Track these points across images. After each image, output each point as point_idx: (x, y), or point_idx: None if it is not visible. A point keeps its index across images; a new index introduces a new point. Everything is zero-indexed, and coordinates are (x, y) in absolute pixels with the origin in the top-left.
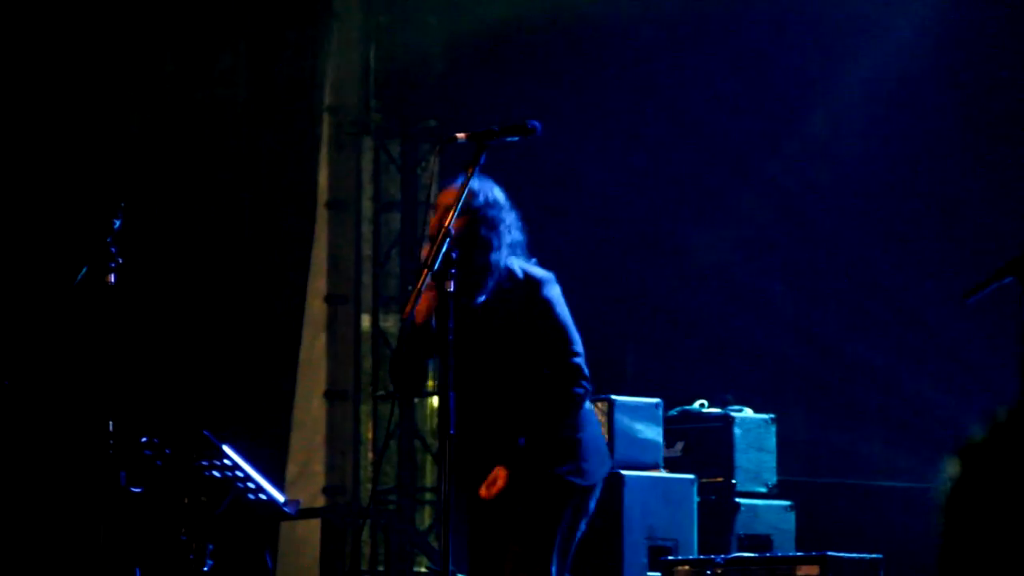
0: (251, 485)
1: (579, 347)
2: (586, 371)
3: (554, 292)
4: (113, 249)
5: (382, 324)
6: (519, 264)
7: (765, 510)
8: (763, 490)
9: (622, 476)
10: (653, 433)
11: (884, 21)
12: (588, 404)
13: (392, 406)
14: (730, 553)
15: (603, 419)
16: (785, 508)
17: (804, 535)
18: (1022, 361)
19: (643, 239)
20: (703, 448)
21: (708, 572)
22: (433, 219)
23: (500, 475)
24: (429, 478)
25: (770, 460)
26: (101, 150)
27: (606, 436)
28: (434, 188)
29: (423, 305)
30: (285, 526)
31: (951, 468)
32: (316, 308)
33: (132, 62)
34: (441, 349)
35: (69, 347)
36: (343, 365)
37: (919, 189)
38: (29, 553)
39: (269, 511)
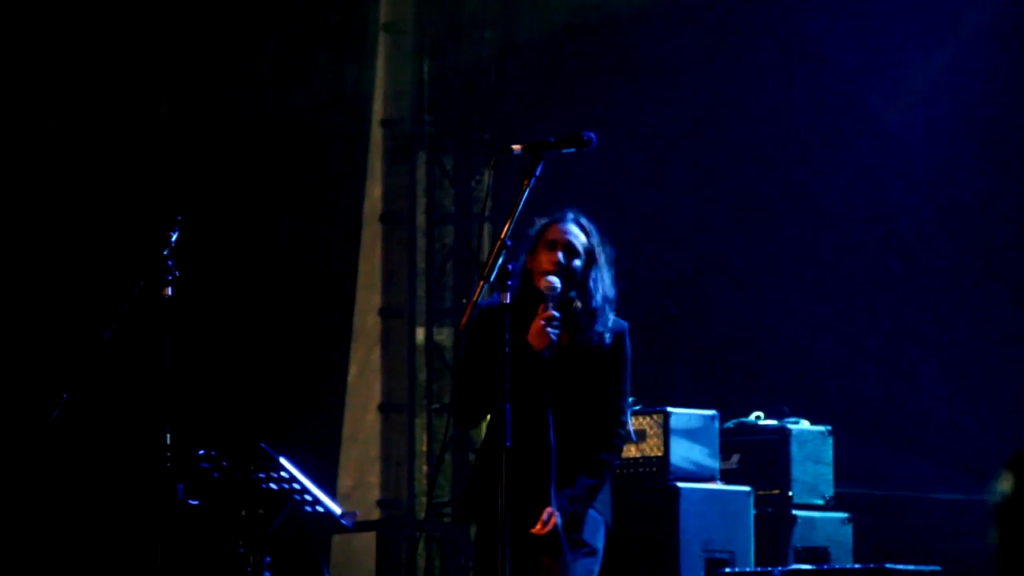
0: (308, 498)
1: (628, 399)
2: (627, 431)
3: (629, 341)
4: (170, 262)
5: (436, 337)
6: (607, 310)
7: (822, 522)
8: (820, 502)
9: (678, 489)
10: (709, 445)
11: (940, 17)
12: None
13: (447, 419)
14: (787, 566)
15: (659, 431)
16: (842, 520)
17: (862, 547)
18: None
19: (698, 250)
20: (759, 460)
21: None
22: (554, 258)
23: (552, 519)
24: None
25: (827, 472)
26: (159, 165)
27: (662, 448)
28: (488, 201)
29: (537, 330)
30: (339, 539)
31: (1003, 481)
32: (370, 321)
33: (182, 80)
34: (498, 363)
35: (127, 360)
36: (397, 378)
37: (977, 200)
38: (88, 565)
39: (326, 524)
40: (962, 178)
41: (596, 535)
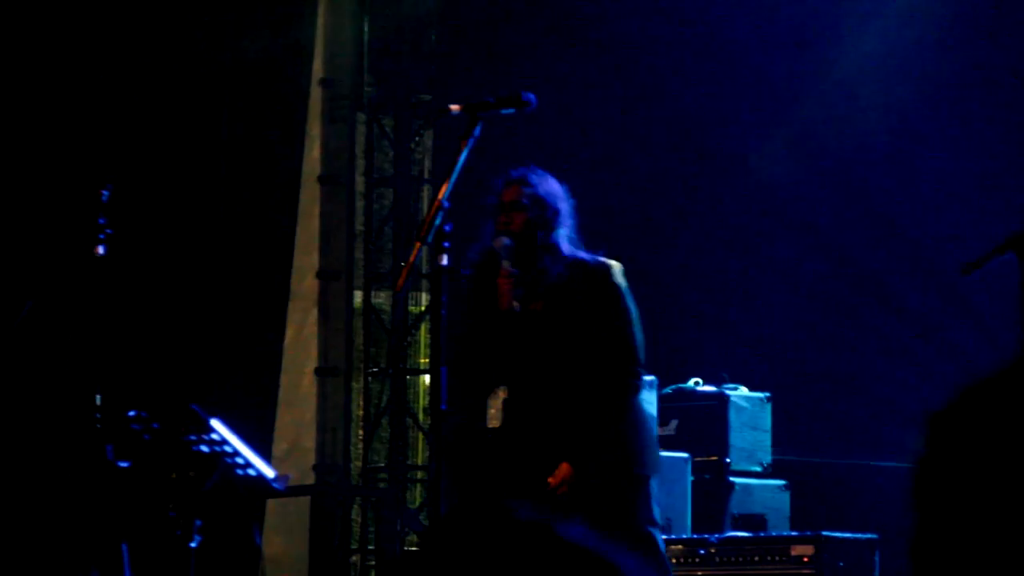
0: (240, 460)
1: (640, 337)
2: (642, 361)
3: (623, 281)
4: (102, 221)
5: (374, 300)
6: (585, 252)
7: (760, 489)
8: (758, 469)
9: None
10: (648, 411)
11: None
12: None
13: (384, 383)
14: (724, 532)
15: None
16: (780, 488)
17: (799, 515)
18: (1021, 336)
19: (636, 216)
20: (698, 427)
21: (702, 551)
22: (500, 217)
23: (565, 471)
24: (420, 456)
25: (765, 439)
26: (89, 123)
27: None
28: (427, 163)
29: (504, 290)
30: (274, 503)
31: (919, 443)
32: (308, 284)
33: (116, 34)
34: (435, 327)
35: (57, 320)
36: (334, 341)
37: (912, 173)
38: (16, 527)
39: (258, 487)
40: (893, 149)
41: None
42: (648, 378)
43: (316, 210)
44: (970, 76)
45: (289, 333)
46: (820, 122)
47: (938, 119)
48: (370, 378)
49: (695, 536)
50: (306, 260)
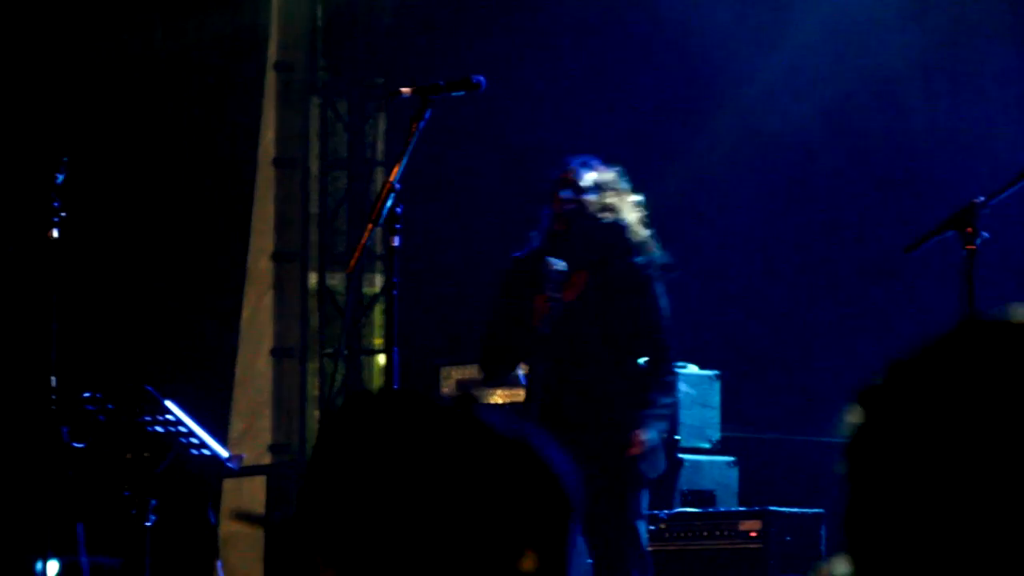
0: (194, 440)
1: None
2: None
3: (657, 276)
4: (56, 203)
5: (329, 282)
6: (627, 247)
7: (708, 466)
8: (707, 446)
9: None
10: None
11: None
12: None
13: (336, 364)
14: (673, 508)
15: None
16: (728, 464)
17: (747, 491)
18: (963, 314)
19: None
20: None
21: (652, 527)
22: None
23: (639, 440)
24: None
25: (714, 416)
26: (43, 105)
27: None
28: (380, 145)
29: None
30: (230, 483)
31: (852, 414)
32: (263, 266)
33: (70, 14)
34: (389, 308)
35: (11, 301)
36: (290, 323)
37: (858, 148)
38: None
39: (212, 467)
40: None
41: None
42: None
43: (271, 193)
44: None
45: (245, 314)
46: (768, 103)
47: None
48: (325, 359)
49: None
50: (261, 242)
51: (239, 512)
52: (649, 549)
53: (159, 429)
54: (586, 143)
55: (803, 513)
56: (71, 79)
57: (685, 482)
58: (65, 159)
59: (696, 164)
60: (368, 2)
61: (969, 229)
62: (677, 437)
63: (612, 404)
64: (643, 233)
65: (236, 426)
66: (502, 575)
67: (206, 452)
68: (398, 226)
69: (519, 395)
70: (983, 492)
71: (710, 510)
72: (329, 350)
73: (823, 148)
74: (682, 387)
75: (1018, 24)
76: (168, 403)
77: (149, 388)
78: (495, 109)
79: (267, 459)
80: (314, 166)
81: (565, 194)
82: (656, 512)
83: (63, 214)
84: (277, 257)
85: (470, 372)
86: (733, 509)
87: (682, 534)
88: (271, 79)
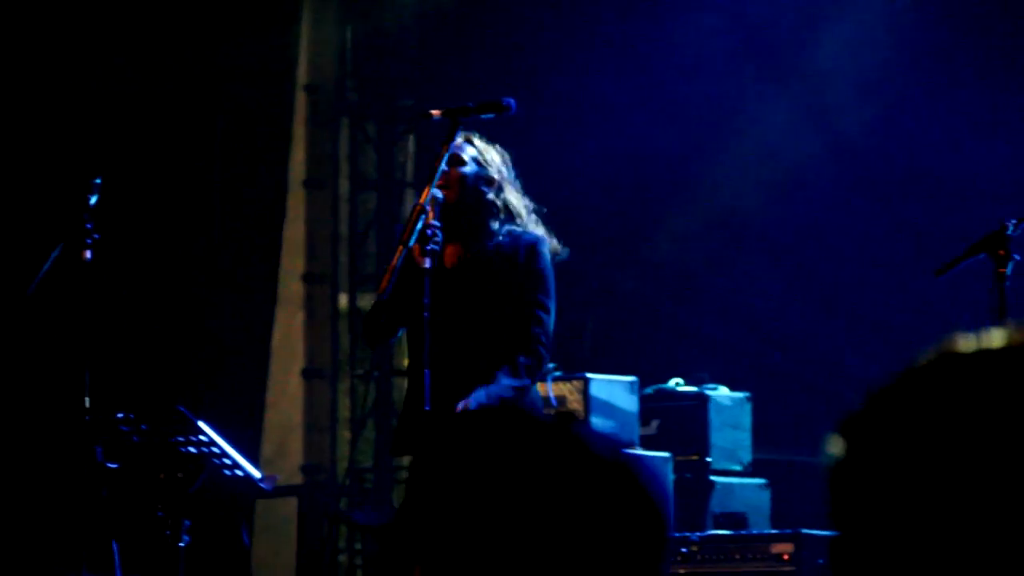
0: (227, 461)
1: (551, 320)
2: (548, 344)
3: (546, 251)
4: (89, 225)
5: (359, 303)
6: (514, 227)
7: (740, 488)
8: (738, 468)
9: (658, 468)
10: (629, 411)
11: None
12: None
13: (367, 384)
14: (705, 531)
15: (578, 397)
16: (760, 486)
17: (779, 513)
18: None
19: (617, 217)
20: (678, 426)
21: (684, 550)
22: (438, 164)
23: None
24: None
25: (745, 438)
26: (76, 127)
27: (581, 414)
28: (410, 167)
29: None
30: (262, 503)
31: (833, 445)
32: (293, 287)
33: (103, 38)
34: (415, 323)
35: (46, 322)
36: (320, 344)
37: (897, 169)
38: (7, 528)
39: (245, 487)
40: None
41: None
42: (628, 379)
43: (301, 214)
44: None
45: (276, 335)
46: (812, 104)
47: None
48: (356, 380)
49: (677, 535)
50: (292, 263)
51: (337, 512)
52: (681, 572)
53: (192, 450)
54: (613, 163)
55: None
56: (103, 101)
57: (717, 504)
58: (97, 181)
59: (725, 190)
60: (397, 24)
61: (1001, 252)
62: (708, 459)
63: (467, 382)
64: (525, 212)
65: (268, 447)
66: None
67: (239, 473)
68: (429, 247)
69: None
70: (963, 520)
71: (742, 533)
72: (360, 371)
73: (847, 176)
74: (712, 410)
75: None
76: (201, 424)
77: (182, 408)
78: (524, 129)
79: (299, 479)
80: (344, 187)
81: (444, 167)
82: (687, 534)
83: (96, 236)
84: (308, 278)
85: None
86: (765, 532)
87: (714, 557)
88: (301, 101)
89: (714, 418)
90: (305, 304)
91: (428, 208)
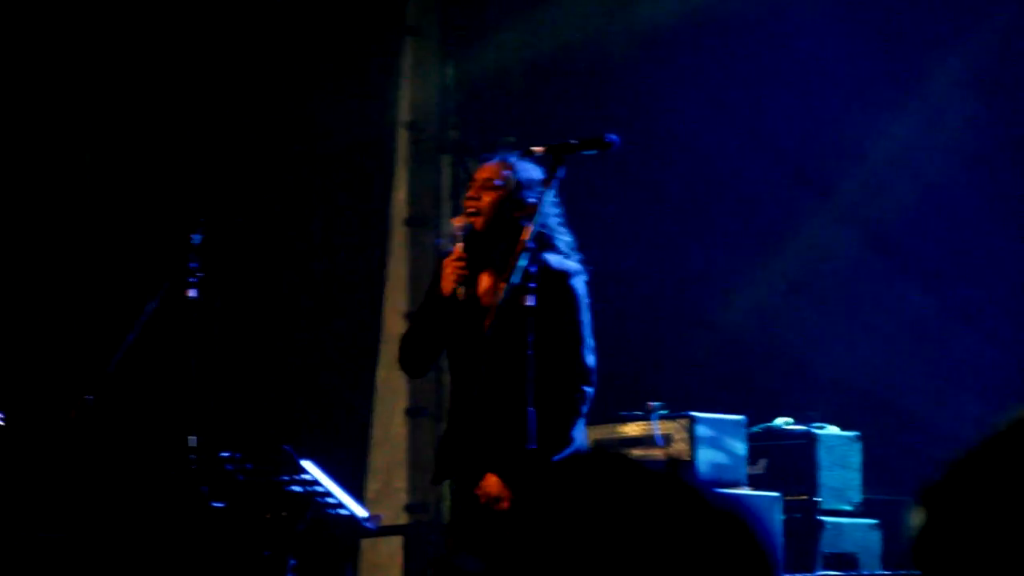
0: (331, 500)
1: (592, 346)
2: (594, 371)
3: (580, 286)
4: (193, 264)
5: None
6: (554, 256)
7: (850, 528)
8: (848, 508)
9: (764, 517)
10: (737, 450)
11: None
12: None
13: None
14: (815, 572)
15: (685, 436)
16: (871, 526)
17: (891, 554)
18: None
19: (726, 254)
20: (787, 465)
21: None
22: (470, 192)
23: (491, 483)
24: None
25: (855, 478)
26: (181, 166)
27: (688, 453)
28: None
29: (449, 272)
30: (367, 543)
31: (915, 516)
32: (397, 325)
33: (211, 79)
34: (457, 354)
35: (152, 362)
36: (424, 382)
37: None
38: (115, 568)
39: (350, 527)
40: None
41: None
42: (736, 417)
43: (404, 252)
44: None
45: (380, 374)
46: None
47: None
48: None
49: (786, 575)
50: (395, 301)
51: (441, 559)
52: None
53: (297, 489)
54: (715, 198)
55: None
56: (208, 142)
57: (827, 545)
58: (202, 220)
59: (827, 229)
60: (499, 60)
61: None
62: (817, 499)
63: (512, 418)
64: (566, 238)
65: (372, 486)
66: None
67: (344, 512)
68: (532, 284)
69: (655, 455)
70: None
71: (852, 574)
72: None
73: (946, 210)
74: (821, 449)
75: None
76: (305, 462)
77: (287, 448)
78: (626, 165)
79: (403, 519)
80: (445, 225)
81: (484, 190)
82: (797, 575)
83: (200, 275)
84: (410, 316)
85: (606, 431)
86: (876, 573)
87: None
88: (402, 138)
89: (823, 457)
90: None
91: (531, 246)
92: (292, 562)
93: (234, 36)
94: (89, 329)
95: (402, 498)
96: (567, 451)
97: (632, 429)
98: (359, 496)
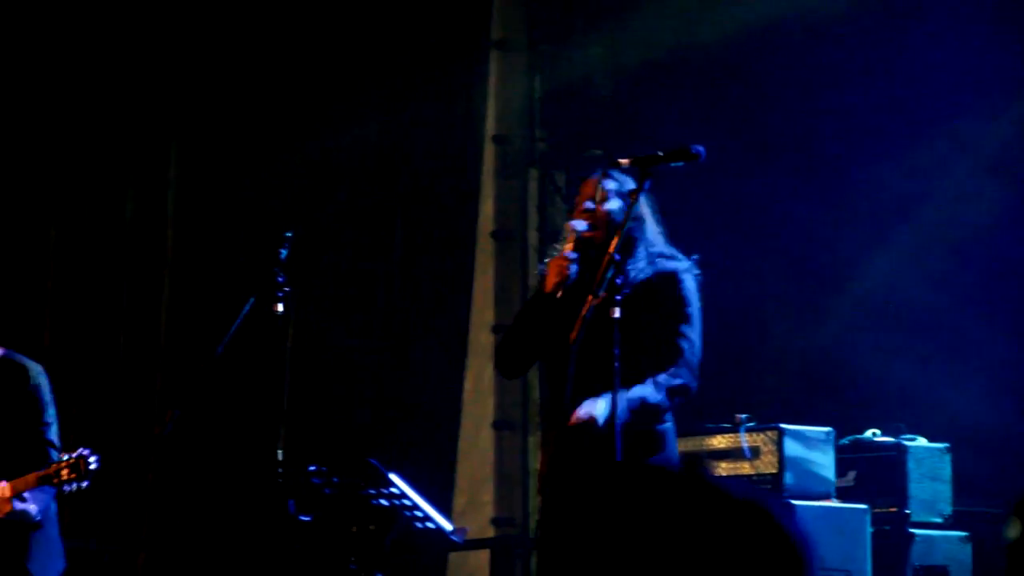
0: (418, 514)
1: (698, 345)
2: (697, 367)
3: (690, 283)
4: (280, 278)
5: None
6: (660, 258)
7: (941, 541)
8: (939, 520)
9: (793, 506)
10: (825, 462)
11: None
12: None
13: None
14: None
15: (773, 448)
16: (962, 539)
17: (982, 567)
18: None
19: (814, 265)
20: (876, 478)
21: None
22: (581, 205)
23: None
24: None
25: (945, 490)
26: (269, 182)
27: (776, 466)
28: None
29: (555, 270)
30: (455, 556)
31: (1011, 527)
32: (484, 339)
33: (295, 92)
34: (555, 358)
35: (239, 376)
36: (511, 396)
37: None
38: None
39: (437, 540)
40: None
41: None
42: (824, 429)
43: (490, 265)
44: None
45: (467, 387)
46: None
47: None
48: None
49: None
50: (482, 315)
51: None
52: None
53: (383, 502)
54: (807, 205)
55: None
56: (295, 159)
57: (917, 558)
58: (289, 235)
59: (926, 231)
60: (585, 73)
61: None
62: (907, 511)
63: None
64: (662, 248)
65: (459, 499)
66: None
67: (430, 525)
68: (618, 297)
69: (743, 467)
70: None
71: None
72: None
73: None
74: (911, 461)
75: None
76: (392, 476)
77: (373, 461)
78: (715, 176)
79: (491, 532)
80: (533, 238)
81: (589, 205)
82: None
83: (287, 289)
84: (497, 330)
85: (694, 443)
86: None
87: None
88: (489, 152)
89: (913, 469)
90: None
91: (617, 258)
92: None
93: (325, 55)
94: (178, 345)
95: (489, 511)
96: (657, 459)
97: (719, 441)
98: (446, 510)
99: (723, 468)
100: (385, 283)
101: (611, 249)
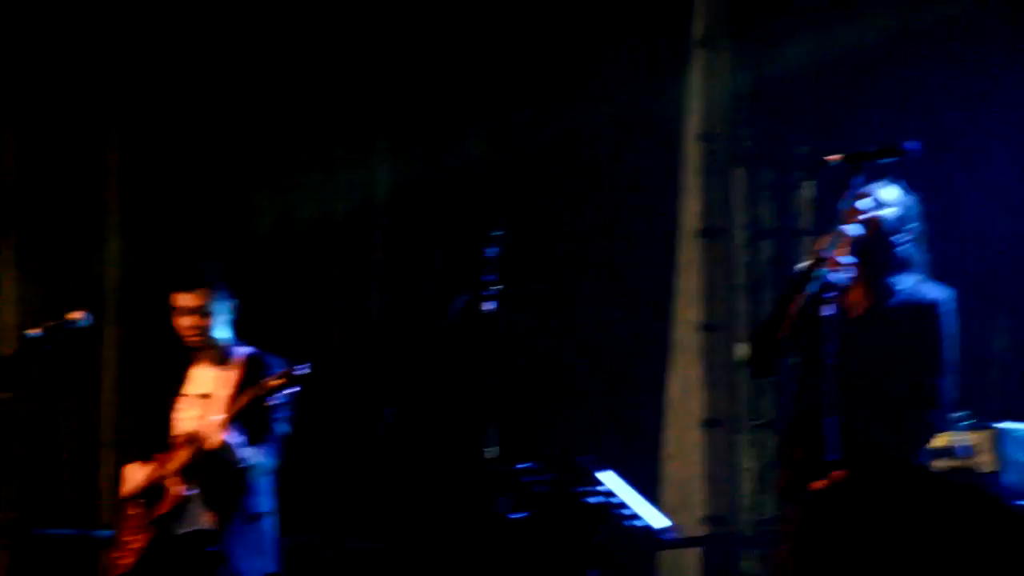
0: (627, 512)
1: (946, 376)
2: (944, 400)
3: (948, 315)
4: (490, 277)
5: None
6: (918, 281)
7: None
8: None
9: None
10: None
11: None
12: None
13: (768, 435)
14: None
15: (989, 447)
16: None
17: None
18: None
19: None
20: None
21: None
22: (852, 209)
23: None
24: None
25: None
26: (478, 182)
27: (994, 465)
28: (808, 215)
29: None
30: (666, 555)
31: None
32: (691, 337)
33: (501, 96)
34: (810, 366)
35: (450, 376)
36: (719, 393)
37: None
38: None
39: (647, 539)
40: None
41: None
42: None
43: (695, 263)
44: None
45: (674, 385)
46: None
47: None
48: (756, 430)
49: None
50: (687, 313)
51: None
52: None
53: (594, 500)
54: (1016, 201)
55: None
56: (497, 159)
57: None
58: (499, 233)
59: None
60: (792, 70)
61: None
62: None
63: (860, 433)
64: (925, 266)
65: (669, 498)
66: None
67: (639, 524)
68: (827, 295)
69: (958, 465)
70: None
71: None
72: (759, 421)
73: None
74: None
75: None
76: (599, 474)
77: (584, 460)
78: (921, 173)
79: (702, 531)
80: (739, 236)
81: (864, 205)
82: None
83: (497, 287)
84: (705, 328)
85: None
86: None
87: None
88: (693, 150)
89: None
90: (704, 354)
91: (827, 256)
92: (592, 573)
93: (527, 54)
94: (389, 345)
95: (697, 510)
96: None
97: (936, 439)
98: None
99: (942, 464)
100: (589, 282)
101: (818, 247)
